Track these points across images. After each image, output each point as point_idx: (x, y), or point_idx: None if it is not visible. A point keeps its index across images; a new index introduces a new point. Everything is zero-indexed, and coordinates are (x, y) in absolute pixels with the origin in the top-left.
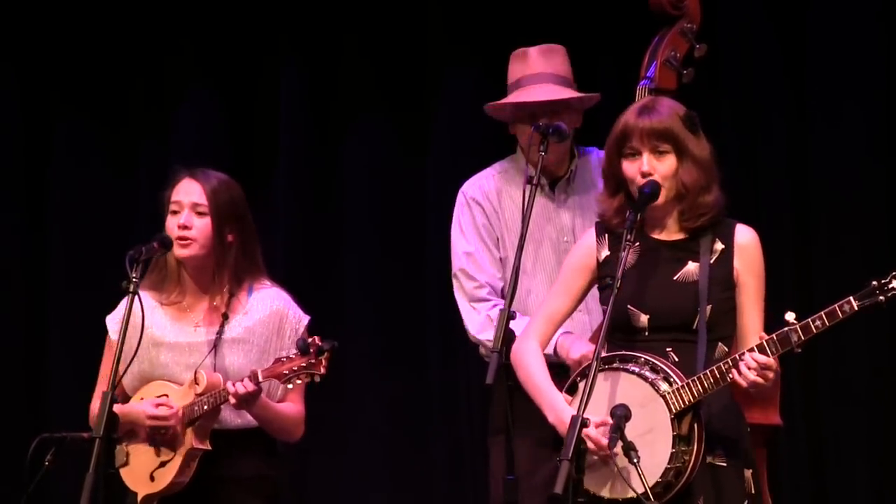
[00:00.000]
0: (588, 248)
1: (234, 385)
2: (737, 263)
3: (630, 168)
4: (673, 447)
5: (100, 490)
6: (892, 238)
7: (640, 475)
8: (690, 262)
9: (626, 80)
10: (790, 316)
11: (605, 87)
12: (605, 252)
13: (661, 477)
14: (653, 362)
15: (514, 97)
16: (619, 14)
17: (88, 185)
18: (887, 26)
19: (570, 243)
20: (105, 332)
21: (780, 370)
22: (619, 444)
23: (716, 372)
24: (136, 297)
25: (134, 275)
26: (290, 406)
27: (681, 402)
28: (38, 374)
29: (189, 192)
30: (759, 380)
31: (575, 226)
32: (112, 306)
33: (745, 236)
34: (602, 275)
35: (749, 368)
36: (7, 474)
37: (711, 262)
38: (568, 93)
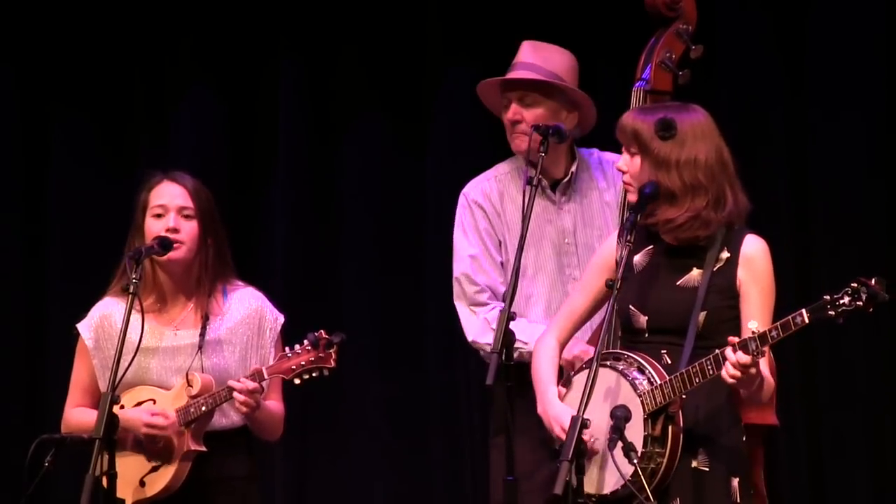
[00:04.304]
0: (609, 248)
1: (240, 381)
2: (740, 273)
3: None
4: (644, 447)
5: (99, 491)
6: (891, 238)
7: (639, 476)
8: (695, 269)
9: (626, 82)
10: (752, 325)
11: (604, 89)
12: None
13: (632, 476)
14: (640, 363)
15: (490, 80)
16: (619, 15)
17: (87, 185)
18: (887, 27)
19: (571, 245)
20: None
21: (775, 369)
22: (620, 444)
23: (684, 375)
24: (137, 298)
25: (134, 276)
26: (274, 404)
27: (653, 402)
28: (37, 376)
29: (174, 196)
30: (735, 379)
31: (576, 227)
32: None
33: (751, 246)
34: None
35: (728, 374)
36: (6, 476)
37: (714, 269)
38: (531, 75)
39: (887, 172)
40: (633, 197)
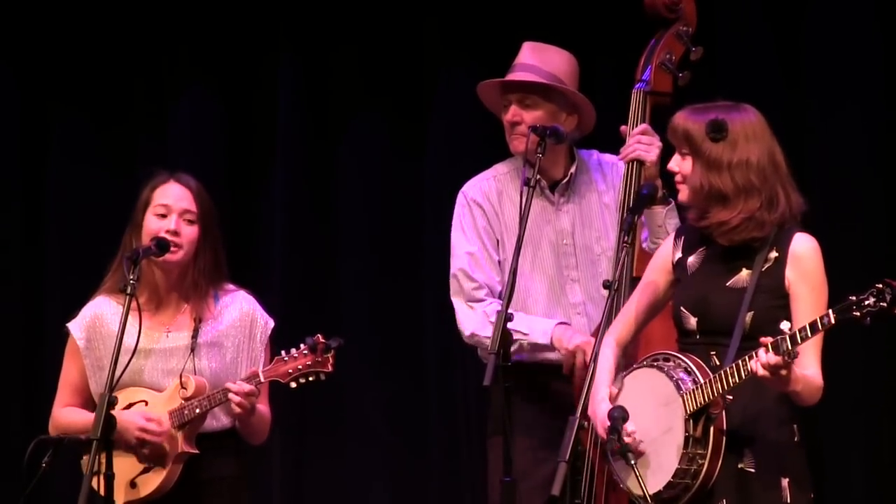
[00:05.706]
0: (667, 250)
1: (236, 383)
2: (789, 272)
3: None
4: (684, 448)
5: (97, 492)
6: (891, 236)
7: (637, 477)
8: (744, 270)
9: (626, 83)
10: (784, 325)
11: (603, 90)
12: (679, 254)
13: (673, 477)
14: (687, 364)
15: (490, 81)
16: (619, 16)
17: (86, 183)
18: (884, 25)
19: (570, 246)
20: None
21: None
22: (617, 444)
23: (721, 375)
24: (134, 299)
25: (132, 277)
26: (262, 408)
27: (695, 403)
28: (35, 375)
29: (179, 198)
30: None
31: (574, 229)
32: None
33: (799, 245)
34: (676, 275)
35: (758, 374)
36: (5, 476)
37: (763, 270)
38: (531, 77)
39: (886, 171)
40: (682, 197)
